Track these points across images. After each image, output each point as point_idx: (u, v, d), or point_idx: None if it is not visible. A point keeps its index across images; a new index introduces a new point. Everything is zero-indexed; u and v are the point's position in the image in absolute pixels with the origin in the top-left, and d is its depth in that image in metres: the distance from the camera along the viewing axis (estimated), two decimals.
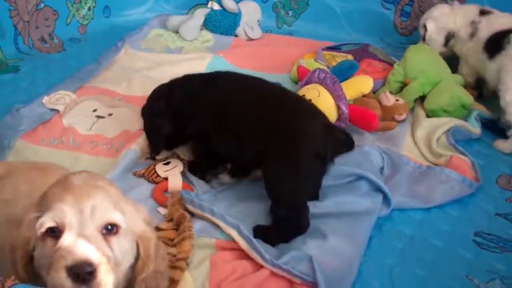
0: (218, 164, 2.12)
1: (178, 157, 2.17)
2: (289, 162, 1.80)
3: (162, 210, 1.96)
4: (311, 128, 1.86)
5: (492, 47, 2.53)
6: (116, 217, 1.18)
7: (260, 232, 1.82)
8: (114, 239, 1.18)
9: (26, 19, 3.06)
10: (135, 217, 1.26)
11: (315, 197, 1.96)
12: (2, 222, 1.42)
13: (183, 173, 2.10)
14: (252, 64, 2.94)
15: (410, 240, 1.92)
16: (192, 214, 1.91)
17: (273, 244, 1.79)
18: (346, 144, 1.94)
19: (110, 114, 2.52)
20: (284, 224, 1.83)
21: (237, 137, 1.93)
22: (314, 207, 1.91)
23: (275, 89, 2.05)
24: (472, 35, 2.65)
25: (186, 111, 2.05)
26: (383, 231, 1.94)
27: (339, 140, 1.90)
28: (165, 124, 2.09)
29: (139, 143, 2.26)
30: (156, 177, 2.08)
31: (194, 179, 2.09)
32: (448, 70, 2.64)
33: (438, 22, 2.77)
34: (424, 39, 2.85)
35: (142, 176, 2.11)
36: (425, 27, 2.83)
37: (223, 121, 1.95)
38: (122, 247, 1.20)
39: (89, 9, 3.34)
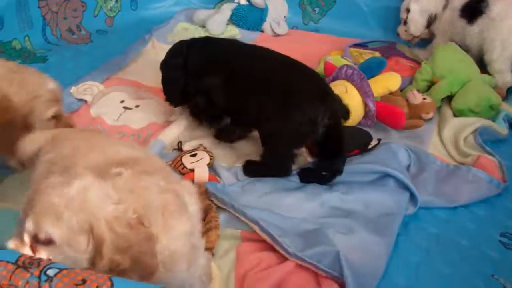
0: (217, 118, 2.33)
1: (205, 149, 2.18)
2: (282, 119, 1.99)
3: None
4: (306, 91, 2.01)
5: (470, 13, 2.73)
6: (48, 231, 1.17)
7: (249, 167, 2.11)
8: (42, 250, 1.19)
9: (55, 10, 3.09)
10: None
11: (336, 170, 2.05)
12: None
13: (209, 165, 2.11)
14: None
15: (436, 238, 1.91)
16: (218, 206, 1.92)
17: (257, 175, 2.08)
18: (342, 112, 2.07)
19: (137, 106, 2.54)
20: (269, 165, 2.10)
21: (243, 95, 2.12)
22: (341, 201, 1.93)
23: (281, 56, 2.18)
24: (445, 7, 2.83)
25: (201, 69, 2.25)
26: (409, 229, 1.93)
27: (334, 107, 2.01)
28: (180, 78, 2.29)
29: (166, 135, 2.28)
30: (182, 168, 2.09)
31: (221, 171, 2.11)
32: (477, 69, 2.63)
33: (421, 4, 2.88)
34: (405, 23, 2.96)
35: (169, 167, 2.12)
36: (407, 10, 2.93)
37: (234, 80, 2.14)
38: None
39: (116, 1, 3.36)
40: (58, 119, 1.93)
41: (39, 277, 0.96)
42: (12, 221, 1.78)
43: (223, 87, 2.16)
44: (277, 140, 2.04)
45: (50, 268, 0.98)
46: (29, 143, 1.66)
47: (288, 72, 2.10)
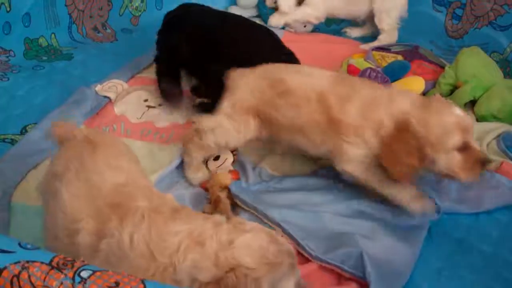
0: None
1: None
2: None
3: None
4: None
5: None
6: None
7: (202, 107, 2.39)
8: None
9: (81, 8, 3.12)
10: None
11: None
12: (50, 197, 1.51)
13: (233, 163, 2.15)
14: (301, 61, 2.95)
15: (459, 244, 1.90)
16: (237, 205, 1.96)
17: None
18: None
19: (160, 105, 2.56)
20: None
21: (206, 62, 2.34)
22: (368, 206, 1.94)
23: (242, 20, 2.55)
24: None
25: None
26: (432, 235, 1.92)
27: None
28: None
29: None
30: None
31: (247, 169, 2.13)
32: (501, 74, 2.61)
33: None
34: None
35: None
36: None
37: (197, 48, 2.37)
38: None
39: (141, 1, 3.40)
40: (465, 150, 1.78)
41: (73, 279, 0.98)
42: (34, 218, 1.83)
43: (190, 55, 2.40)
44: None
45: (83, 269, 1.00)
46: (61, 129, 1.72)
47: (252, 35, 2.39)
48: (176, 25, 2.50)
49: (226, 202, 1.90)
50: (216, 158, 2.17)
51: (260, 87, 1.97)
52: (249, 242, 1.29)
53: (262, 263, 1.27)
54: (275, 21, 3.29)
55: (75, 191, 1.45)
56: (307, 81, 1.95)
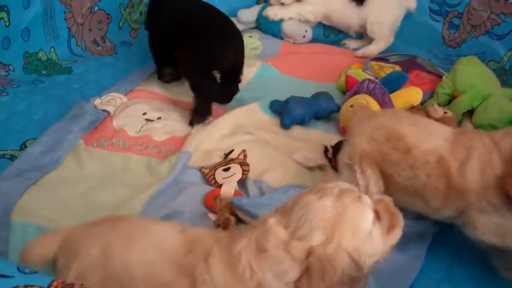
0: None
1: (244, 159, 2.22)
2: (201, 55, 2.44)
3: (212, 216, 2.00)
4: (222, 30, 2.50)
5: None
6: None
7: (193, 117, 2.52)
8: None
9: (80, 22, 3.13)
10: None
11: None
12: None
13: (240, 181, 2.14)
14: (299, 72, 2.97)
15: (459, 253, 1.89)
16: (242, 221, 1.95)
17: (204, 114, 2.51)
18: (243, 53, 2.56)
19: (159, 118, 2.57)
20: (200, 93, 2.50)
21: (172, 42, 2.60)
22: None
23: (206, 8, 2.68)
24: None
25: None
26: (432, 244, 1.90)
27: (240, 46, 2.54)
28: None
29: (192, 144, 2.33)
30: (214, 183, 2.13)
31: (248, 183, 2.14)
32: (498, 84, 2.61)
33: None
34: None
35: (204, 175, 2.17)
36: None
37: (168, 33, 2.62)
38: None
39: (141, 13, 3.39)
40: None
41: None
42: (33, 235, 1.83)
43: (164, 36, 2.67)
44: (197, 66, 2.48)
45: None
46: (40, 248, 1.49)
47: (207, 15, 2.58)
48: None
49: (235, 226, 1.91)
50: (227, 169, 2.16)
51: (377, 137, 1.80)
52: (302, 218, 1.28)
53: (328, 227, 1.26)
54: (271, 13, 3.30)
55: (141, 257, 1.36)
56: (427, 140, 1.75)
